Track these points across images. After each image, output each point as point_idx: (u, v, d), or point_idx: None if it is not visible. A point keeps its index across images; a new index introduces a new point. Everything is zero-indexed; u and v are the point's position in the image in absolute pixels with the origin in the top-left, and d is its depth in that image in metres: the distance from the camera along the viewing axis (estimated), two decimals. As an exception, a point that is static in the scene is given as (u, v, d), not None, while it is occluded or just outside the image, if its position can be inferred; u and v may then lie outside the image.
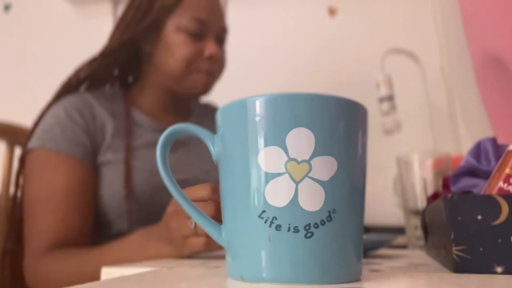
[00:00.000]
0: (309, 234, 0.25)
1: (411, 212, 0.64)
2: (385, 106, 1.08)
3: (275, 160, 0.25)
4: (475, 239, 0.29)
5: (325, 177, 0.25)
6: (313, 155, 0.25)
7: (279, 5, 1.53)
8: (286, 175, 0.25)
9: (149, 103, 0.83)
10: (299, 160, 0.25)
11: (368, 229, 1.09)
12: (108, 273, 0.35)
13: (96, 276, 0.49)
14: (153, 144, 0.79)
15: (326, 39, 1.46)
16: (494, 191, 0.33)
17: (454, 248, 0.29)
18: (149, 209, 0.73)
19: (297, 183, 0.25)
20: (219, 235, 0.30)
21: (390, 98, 1.08)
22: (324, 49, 1.45)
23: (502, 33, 0.71)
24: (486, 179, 0.35)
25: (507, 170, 0.32)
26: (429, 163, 0.63)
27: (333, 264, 0.25)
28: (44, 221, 0.67)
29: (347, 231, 0.26)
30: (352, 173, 0.27)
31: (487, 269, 0.29)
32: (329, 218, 0.25)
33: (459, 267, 0.29)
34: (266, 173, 0.25)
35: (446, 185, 0.45)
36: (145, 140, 0.77)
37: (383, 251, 0.58)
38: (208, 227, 0.30)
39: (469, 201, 0.29)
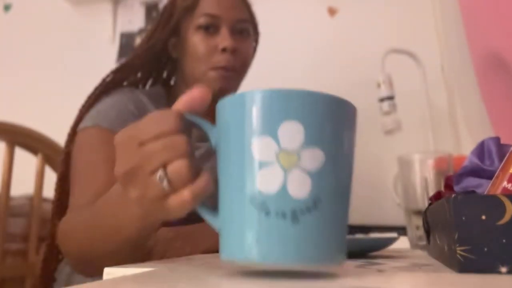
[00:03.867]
0: (295, 220, 0.27)
1: (412, 212, 0.64)
2: (385, 106, 1.08)
3: (267, 150, 0.27)
4: (480, 239, 0.29)
5: (313, 168, 0.27)
6: (302, 147, 0.27)
7: (279, 5, 1.53)
8: (277, 164, 0.27)
9: None
10: (289, 150, 0.27)
11: (368, 229, 1.09)
12: (109, 273, 0.35)
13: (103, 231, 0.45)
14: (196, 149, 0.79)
15: (326, 39, 1.46)
16: (498, 191, 0.32)
17: (458, 248, 0.29)
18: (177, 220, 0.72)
19: (286, 172, 0.27)
20: (214, 218, 0.31)
21: (390, 98, 1.08)
22: (324, 49, 1.45)
23: (503, 32, 0.71)
24: (489, 179, 0.35)
25: (511, 170, 0.32)
26: (430, 163, 0.63)
27: (316, 247, 0.27)
28: (84, 186, 0.64)
29: (331, 219, 0.28)
30: (338, 166, 0.29)
31: (491, 269, 0.29)
32: (315, 206, 0.27)
33: (463, 267, 0.29)
34: (259, 162, 0.27)
35: (449, 185, 0.45)
36: None
37: (384, 251, 0.58)
38: (203, 211, 0.32)
39: (473, 201, 0.29)
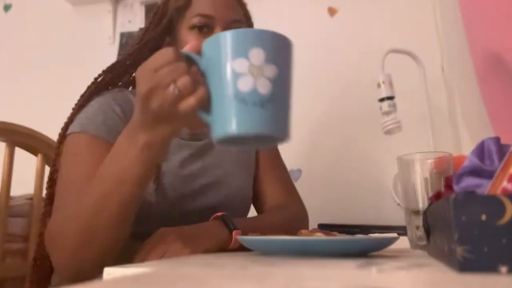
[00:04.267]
0: (263, 106, 0.44)
1: (412, 212, 0.64)
2: (385, 106, 1.08)
3: (243, 66, 0.44)
4: (480, 239, 0.29)
5: (271, 76, 0.45)
6: (264, 64, 0.44)
7: (279, 5, 1.53)
8: (249, 74, 0.44)
9: None
10: (256, 65, 0.44)
11: (368, 229, 1.09)
12: (109, 273, 0.35)
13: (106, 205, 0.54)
14: (182, 147, 0.79)
15: (326, 39, 1.46)
16: (498, 191, 0.32)
17: (458, 248, 0.29)
18: (175, 211, 0.74)
19: (255, 78, 0.44)
20: (208, 116, 0.47)
21: (390, 98, 1.08)
22: (324, 49, 1.45)
23: (503, 32, 0.71)
24: (489, 179, 0.35)
25: (511, 170, 0.32)
26: (430, 163, 0.63)
27: (275, 122, 0.46)
28: (70, 194, 0.65)
29: (282, 107, 0.47)
30: (285, 75, 0.47)
31: (491, 269, 0.29)
32: (273, 98, 0.44)
33: (464, 267, 0.29)
34: (238, 73, 0.44)
35: (449, 185, 0.45)
36: (174, 142, 0.78)
37: (384, 251, 0.58)
38: (201, 113, 0.47)
39: (473, 201, 0.29)
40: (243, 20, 0.83)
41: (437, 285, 0.27)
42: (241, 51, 0.44)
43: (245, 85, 0.43)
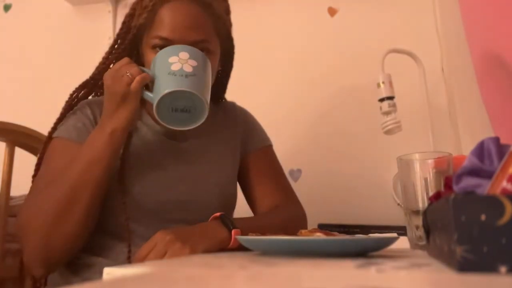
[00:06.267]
0: (186, 76, 0.68)
1: (412, 212, 0.64)
2: (385, 106, 1.08)
3: (174, 59, 0.70)
4: (479, 239, 0.29)
5: (195, 65, 0.70)
6: (188, 59, 0.70)
7: (279, 6, 1.53)
8: (179, 62, 0.69)
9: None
10: (183, 59, 0.70)
11: (368, 229, 1.09)
12: (109, 273, 0.35)
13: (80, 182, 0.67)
14: (151, 144, 0.82)
15: (326, 39, 1.46)
16: (497, 191, 0.33)
17: (458, 248, 0.29)
18: (143, 205, 0.76)
19: (182, 64, 0.69)
20: (151, 96, 0.70)
21: (390, 98, 1.08)
22: (324, 49, 1.45)
23: (503, 32, 0.71)
24: (489, 179, 0.35)
25: (511, 170, 0.32)
26: (430, 163, 0.63)
27: (194, 86, 0.68)
28: (40, 192, 0.70)
29: (201, 82, 0.70)
30: (203, 67, 0.72)
31: (491, 269, 0.29)
32: (195, 76, 0.69)
33: (463, 267, 0.29)
34: (171, 62, 0.69)
35: (448, 185, 0.45)
36: (145, 139, 0.82)
37: (384, 251, 0.58)
38: (145, 93, 0.71)
39: (473, 201, 0.29)
40: (210, 38, 0.78)
41: (437, 285, 0.27)
42: (173, 53, 0.70)
43: (175, 67, 0.68)
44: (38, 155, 0.83)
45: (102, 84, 0.85)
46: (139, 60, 0.82)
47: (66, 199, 0.66)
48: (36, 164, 0.83)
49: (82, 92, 0.85)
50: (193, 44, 0.76)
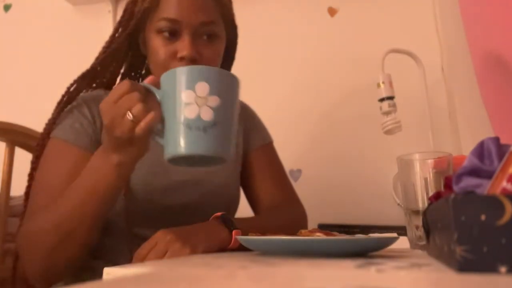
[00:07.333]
0: (205, 131, 0.51)
1: (412, 212, 0.64)
2: (385, 106, 1.08)
3: (189, 97, 0.52)
4: (479, 239, 0.29)
5: (214, 105, 0.52)
6: (208, 95, 0.52)
7: (279, 6, 1.53)
8: (195, 103, 0.52)
9: None
10: (201, 96, 0.52)
11: (368, 229, 1.09)
12: (109, 273, 0.35)
13: (78, 212, 0.61)
14: (153, 146, 0.80)
15: (326, 39, 1.46)
16: (497, 191, 0.33)
17: (457, 248, 0.29)
18: (146, 209, 0.75)
19: (200, 107, 0.51)
20: (161, 139, 0.55)
21: (390, 98, 1.08)
22: (324, 49, 1.45)
23: (503, 33, 0.71)
24: (489, 179, 0.35)
25: (511, 170, 0.32)
26: (430, 163, 0.63)
27: (217, 145, 0.52)
28: (39, 198, 0.70)
29: (223, 132, 0.53)
30: (227, 105, 0.54)
31: (491, 269, 0.29)
32: (215, 125, 0.52)
33: (463, 267, 0.29)
34: (185, 103, 0.52)
35: (448, 185, 0.45)
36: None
37: (384, 251, 0.58)
38: (155, 136, 0.56)
39: (473, 201, 0.29)
40: (217, 21, 0.78)
41: (437, 285, 0.27)
42: (188, 84, 0.52)
43: (190, 112, 0.51)
44: (35, 153, 0.80)
45: (102, 74, 0.84)
46: (144, 44, 0.81)
47: (66, 227, 0.62)
48: (32, 162, 0.80)
49: (82, 84, 0.82)
50: (201, 26, 0.75)
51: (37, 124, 1.06)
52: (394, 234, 0.79)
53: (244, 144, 0.93)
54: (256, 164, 0.92)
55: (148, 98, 0.55)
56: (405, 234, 0.66)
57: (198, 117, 0.51)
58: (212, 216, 0.70)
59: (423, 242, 0.58)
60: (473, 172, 0.37)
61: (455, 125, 1.23)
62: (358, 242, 0.50)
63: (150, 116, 0.53)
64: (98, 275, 0.70)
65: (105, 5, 1.69)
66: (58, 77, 1.73)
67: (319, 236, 0.56)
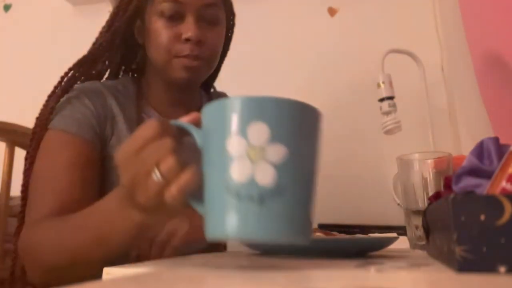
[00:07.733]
0: (262, 202, 0.32)
1: (412, 212, 0.64)
2: (385, 106, 1.08)
3: (238, 146, 0.32)
4: (479, 239, 0.29)
5: (277, 160, 0.32)
6: (267, 143, 0.32)
7: (279, 5, 1.53)
8: (246, 157, 0.32)
9: (157, 96, 0.82)
10: (256, 146, 0.32)
11: (368, 229, 1.09)
12: (109, 273, 0.35)
13: (81, 242, 0.51)
14: None
15: (326, 39, 1.46)
16: (497, 191, 0.33)
17: (457, 248, 0.29)
18: None
19: (254, 163, 0.32)
20: (201, 206, 0.37)
21: (390, 98, 1.08)
22: (324, 49, 1.45)
23: (503, 33, 0.71)
24: (488, 178, 0.35)
25: (510, 170, 0.32)
26: (430, 163, 0.63)
27: (279, 226, 0.32)
28: (44, 194, 0.65)
29: (294, 203, 0.33)
30: (301, 160, 0.34)
31: (490, 269, 0.29)
32: (279, 192, 0.32)
33: (462, 267, 0.29)
34: (231, 156, 0.32)
35: (448, 185, 0.45)
36: None
37: (384, 251, 0.58)
38: (192, 201, 0.38)
39: (472, 201, 0.29)
40: (219, 3, 0.77)
41: (437, 285, 0.27)
42: (238, 126, 0.33)
43: (240, 173, 0.32)
44: (29, 147, 0.74)
45: (99, 61, 0.81)
46: (141, 32, 0.79)
47: (69, 261, 0.55)
48: (26, 158, 0.75)
49: (80, 71, 0.79)
50: (204, 8, 0.74)
51: (37, 124, 1.07)
52: (394, 234, 0.79)
53: None
54: None
55: (183, 145, 0.40)
56: (405, 234, 0.66)
57: (252, 181, 0.32)
58: None
59: (423, 242, 0.58)
60: (473, 172, 0.37)
61: (455, 125, 1.23)
62: (358, 242, 0.50)
63: (186, 177, 0.37)
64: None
65: (105, 5, 1.69)
66: (58, 77, 1.73)
67: (319, 236, 0.56)
